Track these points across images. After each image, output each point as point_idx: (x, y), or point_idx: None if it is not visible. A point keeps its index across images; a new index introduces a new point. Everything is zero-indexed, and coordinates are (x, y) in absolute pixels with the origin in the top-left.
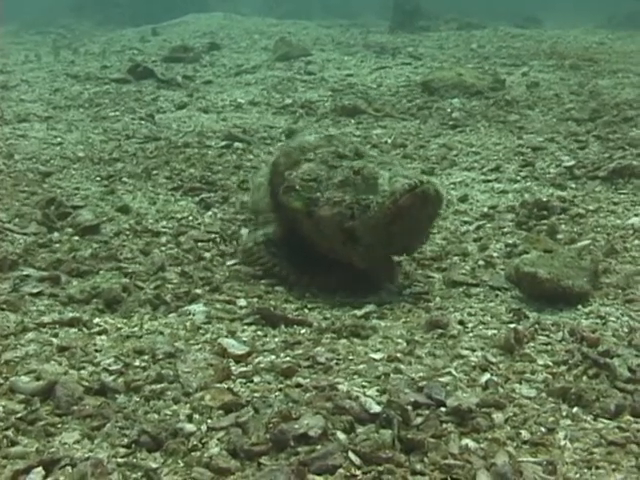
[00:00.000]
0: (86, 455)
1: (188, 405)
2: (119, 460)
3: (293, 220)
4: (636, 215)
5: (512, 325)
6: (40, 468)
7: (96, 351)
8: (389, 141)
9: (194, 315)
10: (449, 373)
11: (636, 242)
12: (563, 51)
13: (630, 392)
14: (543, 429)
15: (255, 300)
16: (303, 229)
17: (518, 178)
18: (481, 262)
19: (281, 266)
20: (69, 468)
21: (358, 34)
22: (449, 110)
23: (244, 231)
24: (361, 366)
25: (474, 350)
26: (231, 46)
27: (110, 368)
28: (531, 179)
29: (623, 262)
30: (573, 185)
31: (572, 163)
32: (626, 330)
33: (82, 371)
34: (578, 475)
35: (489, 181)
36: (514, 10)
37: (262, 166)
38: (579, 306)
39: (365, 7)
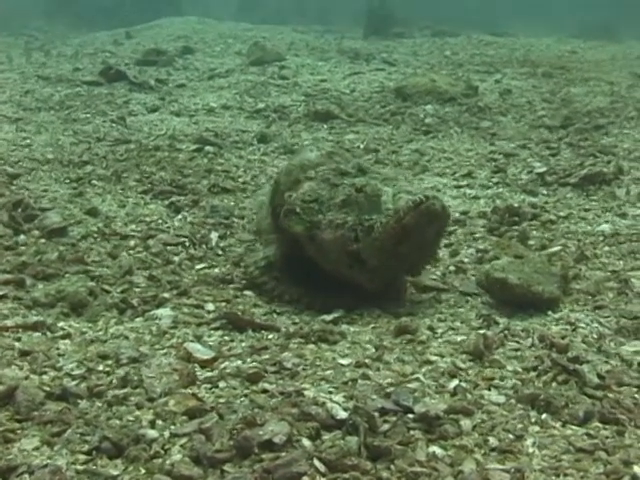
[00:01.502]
0: (45, 462)
1: (151, 411)
2: (78, 467)
3: (296, 243)
4: (606, 222)
5: (482, 331)
6: None
7: (59, 355)
8: (361, 146)
9: (160, 319)
10: (417, 379)
11: (606, 248)
12: (536, 59)
13: (599, 398)
14: (511, 436)
15: (223, 304)
16: (307, 253)
17: (490, 184)
18: (452, 267)
19: (289, 293)
20: (27, 476)
21: (333, 40)
22: (422, 116)
23: (214, 235)
24: (328, 372)
25: (443, 356)
26: (205, 50)
27: (73, 373)
28: (503, 185)
29: (593, 268)
30: (544, 191)
31: (544, 170)
32: (595, 336)
33: (44, 376)
34: None
35: (461, 187)
36: (488, 19)
37: (264, 185)
38: (549, 312)
39: (340, 13)
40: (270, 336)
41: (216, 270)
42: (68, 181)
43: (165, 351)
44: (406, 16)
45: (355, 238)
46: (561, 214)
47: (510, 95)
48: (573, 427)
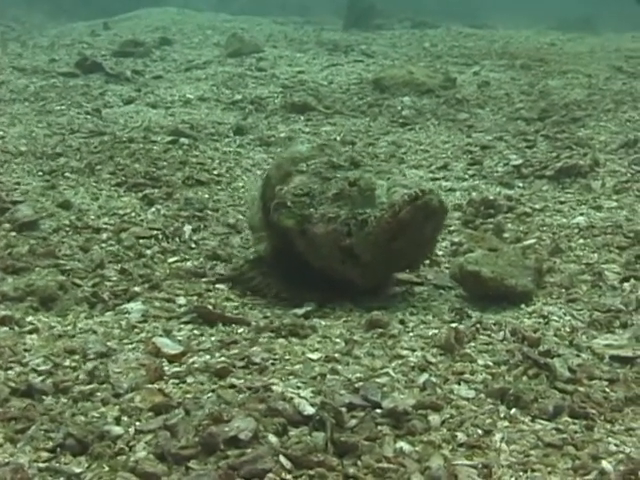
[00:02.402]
0: (6, 460)
1: (117, 407)
2: (41, 465)
3: (286, 238)
4: (582, 214)
5: (454, 325)
6: None
7: (25, 351)
8: (338, 138)
9: (130, 313)
10: (387, 374)
11: (581, 241)
12: (514, 51)
13: (570, 392)
14: (480, 431)
15: (195, 298)
16: (298, 248)
17: (466, 176)
18: (426, 260)
19: (275, 287)
20: None
21: (312, 31)
22: (399, 108)
23: (187, 228)
24: (297, 366)
25: (414, 350)
26: (183, 41)
27: (39, 368)
28: (479, 177)
29: (567, 261)
30: (520, 184)
31: (520, 162)
32: (568, 330)
33: (9, 371)
34: (513, 478)
35: (437, 179)
36: (467, 11)
37: (256, 181)
38: (522, 305)
39: (320, 5)
40: (240, 330)
41: (189, 263)
42: (41, 174)
43: (133, 346)
44: (386, 8)
45: (348, 232)
46: (536, 207)
47: (488, 87)
48: (542, 422)
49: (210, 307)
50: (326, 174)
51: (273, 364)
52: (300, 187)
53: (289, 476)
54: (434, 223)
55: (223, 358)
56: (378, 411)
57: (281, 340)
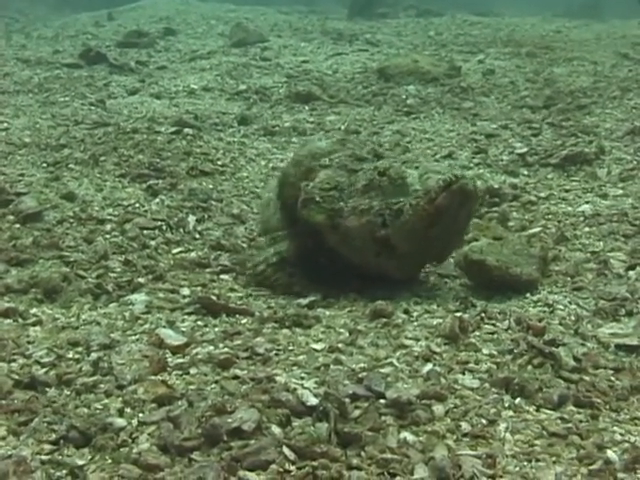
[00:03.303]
0: (9, 452)
1: (120, 399)
2: (44, 457)
3: (316, 235)
4: (587, 202)
5: (458, 314)
6: None
7: (29, 343)
8: (342, 127)
9: (134, 305)
10: (391, 364)
11: (586, 229)
12: (520, 39)
13: (574, 382)
14: (484, 421)
15: (199, 289)
16: (329, 243)
17: (471, 165)
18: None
19: (301, 285)
20: None
21: (316, 20)
22: (404, 97)
23: (191, 218)
24: (301, 357)
25: (418, 340)
26: (187, 31)
27: (42, 360)
28: (484, 166)
29: (573, 249)
30: (525, 172)
31: (525, 150)
32: (573, 318)
33: (12, 364)
34: (518, 468)
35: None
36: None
37: (270, 181)
38: (527, 294)
39: None
40: (244, 321)
41: (193, 254)
42: (45, 165)
43: (137, 337)
44: None
45: (383, 223)
46: (542, 195)
47: (493, 75)
48: (547, 411)
49: (214, 298)
50: (352, 166)
51: (277, 355)
52: (327, 181)
53: (292, 467)
54: (468, 208)
55: (226, 349)
56: (382, 401)
57: (285, 330)
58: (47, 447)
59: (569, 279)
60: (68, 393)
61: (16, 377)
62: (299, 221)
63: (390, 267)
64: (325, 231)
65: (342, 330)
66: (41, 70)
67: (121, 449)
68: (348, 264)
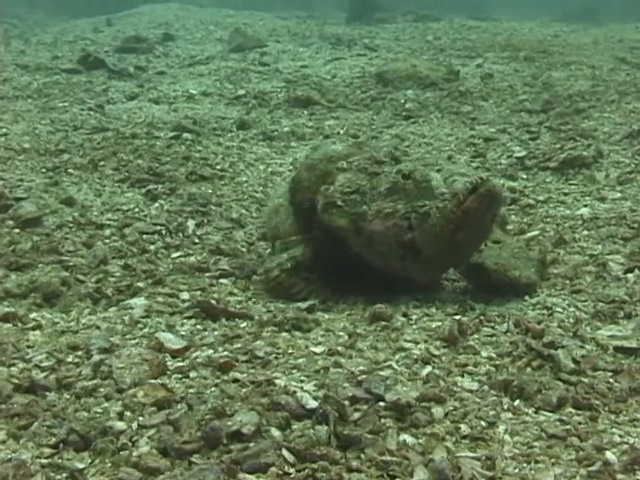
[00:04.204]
0: (9, 456)
1: (120, 402)
2: (43, 461)
3: (337, 239)
4: (585, 205)
5: (457, 317)
6: None
7: (29, 347)
8: (341, 132)
9: (133, 309)
10: (390, 366)
11: (585, 232)
12: (518, 43)
13: (573, 384)
14: (483, 423)
15: (198, 293)
16: (351, 248)
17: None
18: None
19: (320, 292)
20: None
21: (315, 26)
22: (403, 101)
23: (190, 223)
24: (300, 360)
25: (417, 343)
26: (186, 37)
27: (42, 365)
28: (482, 170)
29: (571, 252)
30: (524, 176)
31: (523, 154)
32: (572, 321)
33: (12, 368)
34: (517, 470)
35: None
36: (471, 4)
37: (277, 187)
38: (526, 297)
39: None
40: (243, 325)
41: (192, 258)
42: (44, 170)
43: (136, 341)
44: (389, 1)
45: (409, 226)
46: (540, 198)
47: (491, 79)
48: (546, 413)
49: (213, 302)
50: (372, 169)
51: (276, 358)
52: (348, 185)
53: (292, 470)
54: (494, 210)
55: (226, 352)
56: (381, 404)
57: (284, 334)
58: (47, 451)
59: (568, 282)
60: (68, 397)
61: (16, 381)
62: (318, 225)
63: (415, 271)
64: (348, 235)
65: (341, 333)
66: (40, 76)
67: (121, 452)
68: (370, 268)
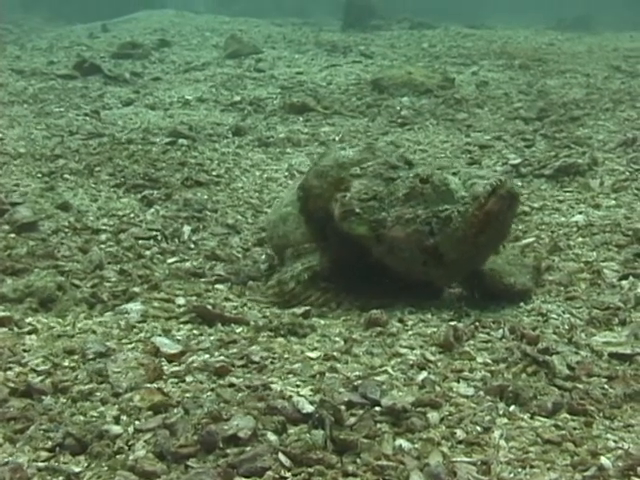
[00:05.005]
0: (5, 460)
1: (116, 406)
2: (40, 464)
3: (356, 247)
4: (580, 213)
5: (452, 323)
6: None
7: (25, 351)
8: (337, 139)
9: (129, 314)
10: (386, 372)
11: (580, 239)
12: (513, 51)
13: (568, 389)
14: (479, 428)
15: (194, 298)
16: (372, 255)
17: None
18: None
19: (337, 300)
20: None
21: (310, 32)
22: (398, 108)
23: (186, 228)
24: (296, 365)
25: (413, 348)
26: (181, 43)
27: (38, 369)
28: None
29: (566, 259)
30: (519, 183)
31: (518, 161)
32: (567, 327)
33: (8, 372)
34: (512, 475)
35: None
36: (466, 12)
37: (283, 195)
38: (521, 303)
39: (319, 6)
40: (239, 330)
41: (188, 264)
42: (40, 175)
43: (132, 345)
44: (385, 8)
45: (430, 232)
46: (535, 205)
47: (487, 87)
48: (541, 418)
49: (209, 307)
50: (388, 175)
51: (272, 363)
52: (364, 191)
53: (288, 474)
54: (513, 211)
55: (222, 357)
56: (377, 409)
57: (280, 339)
58: (43, 454)
59: (562, 289)
60: (64, 401)
61: (12, 385)
62: (335, 233)
63: (437, 275)
64: (368, 243)
65: (337, 339)
66: (36, 81)
67: (117, 456)
68: (391, 275)
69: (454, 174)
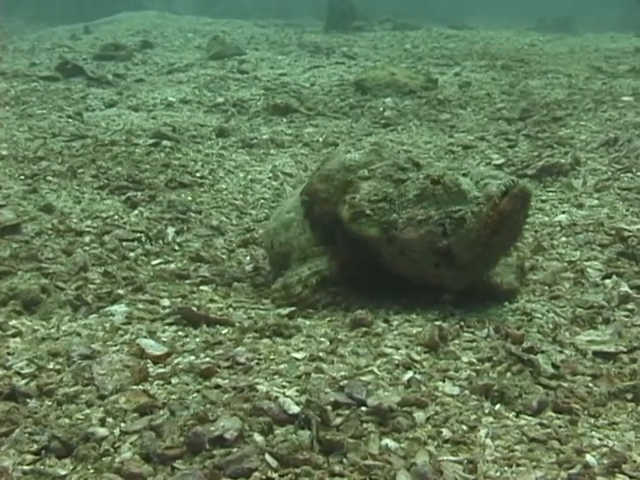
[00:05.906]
0: None
1: (102, 408)
2: (25, 468)
3: (366, 249)
4: (563, 212)
5: (438, 322)
6: None
7: (9, 354)
8: (320, 140)
9: (114, 316)
10: (371, 372)
11: (563, 239)
12: (495, 52)
13: (553, 388)
14: (465, 427)
15: (179, 300)
16: (383, 257)
17: None
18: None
19: (347, 303)
20: None
21: (293, 34)
22: (381, 109)
23: (170, 230)
24: (282, 366)
25: (398, 348)
26: (164, 44)
27: (22, 371)
28: None
29: (550, 259)
30: None
31: (502, 161)
32: (551, 326)
33: None
34: (498, 473)
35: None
36: (448, 13)
37: (283, 202)
38: (506, 303)
39: (301, 7)
40: (224, 331)
41: (172, 265)
42: (23, 177)
43: (117, 348)
44: (367, 10)
45: (443, 233)
46: None
47: (469, 88)
48: (527, 417)
49: (194, 308)
50: (397, 176)
51: (258, 364)
52: (374, 193)
53: (275, 474)
54: (526, 211)
55: (208, 359)
56: (363, 409)
57: (265, 340)
58: (29, 457)
59: (547, 288)
60: (49, 404)
61: None
62: (345, 236)
63: (449, 277)
64: (379, 245)
65: (323, 339)
66: (18, 83)
67: (103, 458)
68: (402, 277)
69: (464, 175)
